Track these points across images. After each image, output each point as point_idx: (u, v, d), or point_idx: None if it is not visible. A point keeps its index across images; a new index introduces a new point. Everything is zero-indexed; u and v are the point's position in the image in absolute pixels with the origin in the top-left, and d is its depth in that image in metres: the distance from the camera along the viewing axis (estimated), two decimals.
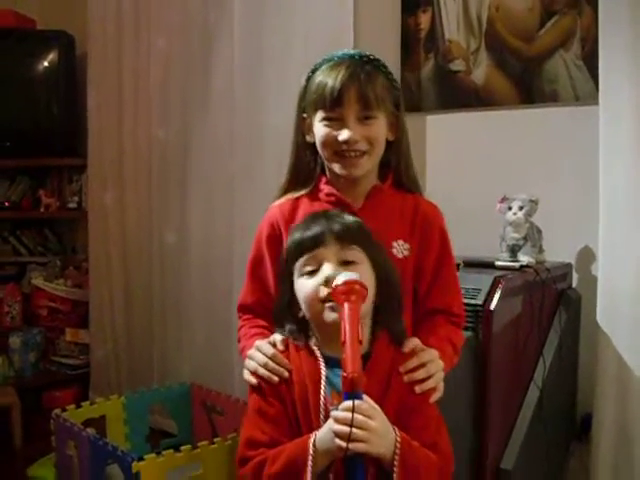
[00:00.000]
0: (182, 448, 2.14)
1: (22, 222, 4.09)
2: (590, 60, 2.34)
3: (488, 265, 2.11)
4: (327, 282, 1.32)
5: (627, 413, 2.14)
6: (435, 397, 1.39)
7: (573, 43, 2.44)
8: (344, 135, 1.47)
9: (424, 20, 2.77)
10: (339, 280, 1.29)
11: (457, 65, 2.70)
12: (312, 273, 1.35)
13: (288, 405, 1.35)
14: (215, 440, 2.22)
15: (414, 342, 1.41)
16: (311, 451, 1.26)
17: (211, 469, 2.17)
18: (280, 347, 1.41)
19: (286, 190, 1.64)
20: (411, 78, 2.78)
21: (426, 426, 1.34)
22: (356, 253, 1.36)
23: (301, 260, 1.37)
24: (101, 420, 2.65)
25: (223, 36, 3.11)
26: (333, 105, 1.47)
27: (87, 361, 3.78)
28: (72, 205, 3.98)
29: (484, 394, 1.88)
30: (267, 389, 1.37)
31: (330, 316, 1.32)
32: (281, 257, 1.44)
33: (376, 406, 1.25)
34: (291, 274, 1.40)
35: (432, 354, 1.41)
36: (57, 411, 2.50)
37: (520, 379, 2.07)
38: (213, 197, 3.22)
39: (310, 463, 1.25)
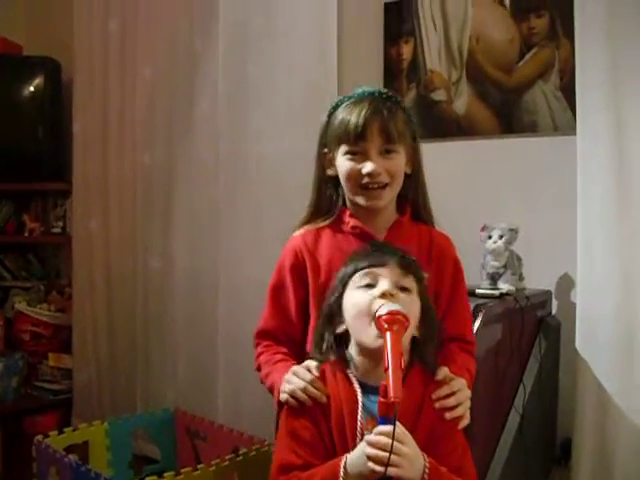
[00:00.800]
0: (165, 475, 2.13)
1: (6, 246, 4.07)
2: (568, 91, 2.39)
3: (469, 293, 2.13)
4: (383, 295, 1.37)
5: (606, 438, 2.16)
6: (463, 424, 1.45)
7: (552, 74, 2.49)
8: (368, 168, 1.54)
9: (406, 50, 2.82)
10: (383, 310, 1.35)
11: (439, 95, 2.75)
12: (368, 287, 1.40)
13: (323, 430, 1.39)
14: (198, 467, 2.22)
15: (445, 371, 1.47)
16: (342, 474, 1.30)
17: None
18: (315, 373, 1.45)
19: (308, 222, 1.70)
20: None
21: (454, 451, 1.40)
22: (411, 282, 1.43)
23: (360, 273, 1.43)
24: (84, 446, 2.63)
25: (208, 63, 3.14)
26: (357, 139, 1.54)
27: (70, 386, 3.76)
28: (56, 230, 3.97)
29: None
30: (303, 413, 1.41)
31: (375, 341, 1.36)
32: (338, 273, 1.49)
33: (407, 432, 1.29)
34: (344, 287, 1.45)
35: (461, 383, 1.47)
36: (39, 437, 2.48)
37: (501, 405, 2.09)
38: (198, 222, 3.23)
39: None
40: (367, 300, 1.38)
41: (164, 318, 3.35)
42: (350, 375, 1.42)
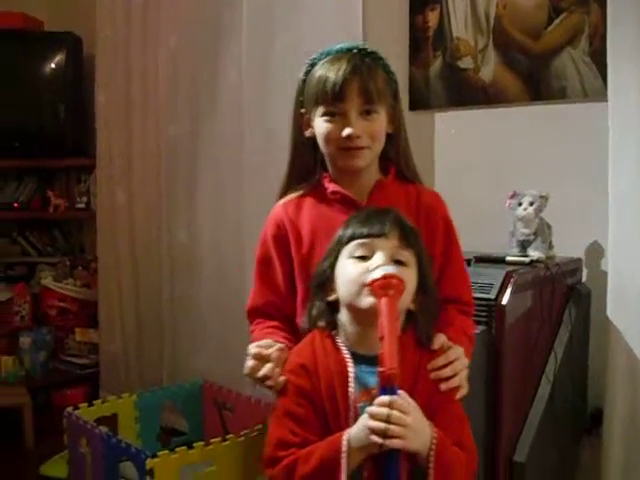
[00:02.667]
0: (195, 445, 2.14)
1: (31, 223, 4.12)
2: (598, 57, 2.35)
3: (499, 260, 2.11)
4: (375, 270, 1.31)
5: (637, 407, 2.15)
6: (460, 394, 1.40)
7: (581, 40, 2.44)
8: (347, 131, 1.45)
9: (432, 18, 2.78)
10: (377, 274, 1.29)
11: (465, 63, 2.71)
12: (362, 259, 1.34)
13: (317, 405, 1.34)
14: (227, 437, 2.23)
15: (441, 339, 1.41)
16: (344, 448, 1.25)
17: (224, 466, 2.17)
18: (265, 350, 1.41)
19: (287, 186, 1.63)
20: (420, 76, 2.79)
21: (451, 424, 1.34)
22: (409, 256, 1.36)
23: (354, 243, 1.36)
24: (113, 418, 2.65)
25: (232, 35, 3.12)
26: (335, 100, 1.46)
27: (97, 360, 3.80)
28: (81, 205, 4.01)
29: (497, 388, 1.89)
30: (294, 390, 1.36)
31: (366, 300, 1.31)
32: (335, 239, 1.42)
33: (412, 401, 1.25)
34: (337, 255, 1.39)
35: (458, 352, 1.41)
36: (69, 409, 2.50)
37: (532, 373, 2.09)
38: (223, 195, 3.23)
39: (344, 461, 1.25)
40: (359, 273, 1.33)
41: (190, 291, 3.37)
42: (340, 345, 1.37)
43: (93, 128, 3.77)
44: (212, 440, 2.19)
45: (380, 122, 1.51)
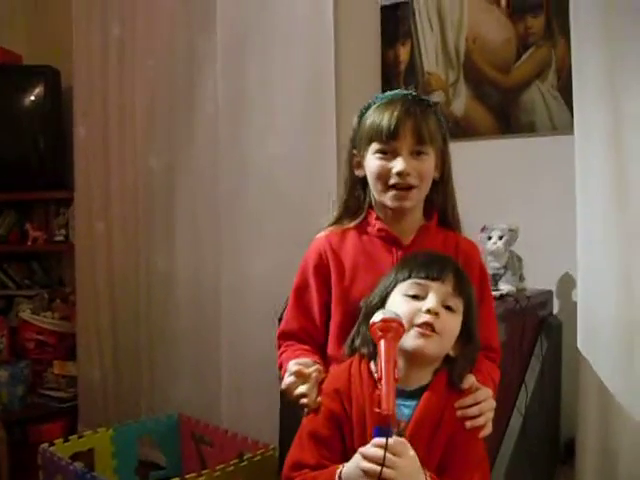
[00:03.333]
0: None
1: (9, 256, 4.09)
2: (566, 90, 2.38)
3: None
4: (428, 312, 1.36)
5: (609, 437, 2.16)
6: (484, 433, 1.44)
7: (549, 74, 2.49)
8: (398, 167, 1.52)
9: (403, 53, 2.82)
10: (377, 318, 1.33)
11: (437, 97, 2.74)
12: (415, 298, 1.39)
13: (345, 428, 1.38)
14: (203, 472, 2.22)
15: (471, 380, 1.45)
16: None
17: None
18: (308, 371, 1.46)
19: (336, 223, 1.69)
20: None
21: (471, 460, 1.39)
22: (459, 304, 1.41)
23: (410, 281, 1.42)
24: (89, 453, 2.64)
25: (208, 68, 3.16)
26: (388, 138, 1.53)
27: (75, 394, 3.77)
28: (59, 238, 4.00)
29: None
30: (324, 413, 1.40)
31: (412, 342, 1.36)
32: (392, 271, 1.47)
33: (407, 444, 1.27)
34: (391, 289, 1.43)
35: (486, 393, 1.47)
36: (44, 445, 2.49)
37: (503, 407, 2.07)
38: (199, 227, 3.25)
39: None
40: (410, 311, 1.37)
41: (168, 323, 3.37)
42: (376, 375, 1.39)
43: (72, 160, 3.77)
44: (188, 475, 2.19)
45: (429, 163, 1.57)
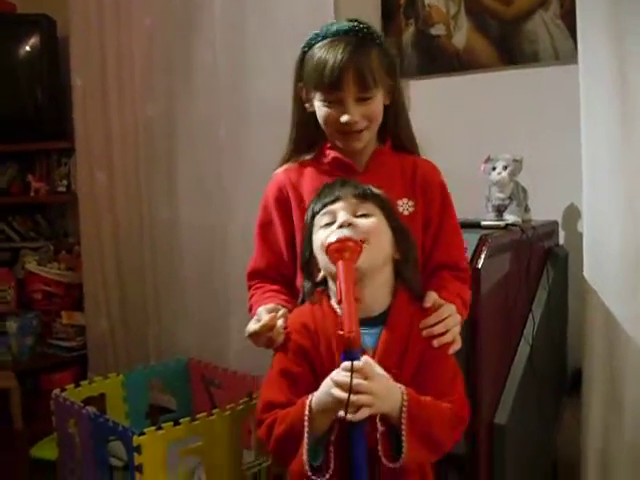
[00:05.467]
0: (181, 421, 2.16)
1: (12, 208, 4.09)
2: (569, 19, 2.34)
3: (474, 225, 2.11)
4: (341, 226, 1.36)
5: (615, 367, 2.17)
6: (453, 349, 1.45)
7: (552, 3, 2.44)
8: (344, 118, 1.51)
9: None
10: (332, 238, 1.33)
11: (438, 30, 2.70)
12: (328, 225, 1.39)
13: (316, 364, 1.37)
14: (213, 412, 2.25)
15: (433, 297, 1.45)
16: (307, 413, 1.28)
17: (211, 440, 2.20)
18: (265, 318, 1.44)
19: (289, 156, 1.68)
20: (393, 44, 2.77)
21: (442, 377, 1.39)
22: (370, 207, 1.41)
23: (319, 215, 1.42)
24: (100, 399, 2.67)
25: (205, 11, 3.11)
26: (332, 89, 1.51)
27: (84, 343, 3.82)
28: (61, 189, 4.01)
29: (475, 351, 1.90)
30: (294, 349, 1.40)
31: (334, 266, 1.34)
32: (305, 219, 1.49)
33: (375, 365, 1.27)
34: (311, 233, 1.44)
35: (450, 309, 1.46)
36: (56, 391, 2.52)
37: (510, 336, 2.10)
38: (202, 173, 3.23)
39: (306, 425, 1.28)
40: (325, 237, 1.37)
41: (173, 269, 3.38)
42: (336, 308, 1.39)
43: (71, 110, 3.75)
44: (198, 415, 2.22)
45: (376, 104, 1.55)
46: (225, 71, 3.05)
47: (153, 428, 2.12)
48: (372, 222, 1.39)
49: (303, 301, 1.49)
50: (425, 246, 1.59)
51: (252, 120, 2.96)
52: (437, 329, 1.41)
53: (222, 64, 3.05)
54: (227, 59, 3.04)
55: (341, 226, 1.36)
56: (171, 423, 2.16)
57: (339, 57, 1.49)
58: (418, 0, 2.74)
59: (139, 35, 3.40)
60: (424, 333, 1.40)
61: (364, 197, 1.41)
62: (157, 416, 2.85)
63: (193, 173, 3.28)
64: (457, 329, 1.46)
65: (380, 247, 1.39)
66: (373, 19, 2.75)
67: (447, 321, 1.43)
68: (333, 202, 1.41)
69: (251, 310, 1.60)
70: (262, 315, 1.46)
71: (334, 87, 1.50)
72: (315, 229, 1.43)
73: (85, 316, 3.80)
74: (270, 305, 1.50)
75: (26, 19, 3.91)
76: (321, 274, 1.44)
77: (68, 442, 2.45)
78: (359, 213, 1.39)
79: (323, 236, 1.38)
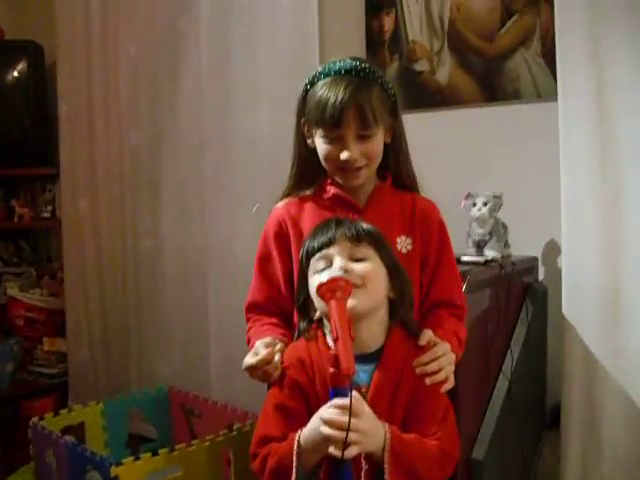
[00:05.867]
0: (160, 451, 2.15)
1: None
2: (550, 57, 2.38)
3: (455, 260, 2.14)
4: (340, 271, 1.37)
5: (594, 402, 2.18)
6: (446, 388, 1.45)
7: (533, 41, 2.49)
8: (344, 155, 1.53)
9: (388, 22, 2.81)
10: (324, 278, 1.35)
11: (421, 65, 2.74)
12: (324, 270, 1.40)
13: (311, 399, 1.38)
14: (193, 442, 2.24)
15: (429, 334, 1.47)
16: (295, 448, 1.29)
17: (190, 471, 2.19)
18: (263, 352, 1.45)
19: (290, 190, 1.70)
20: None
21: (433, 415, 1.40)
22: (365, 250, 1.42)
23: (314, 259, 1.43)
24: (80, 427, 2.65)
25: (191, 40, 3.14)
26: (333, 126, 1.53)
27: (65, 369, 3.78)
28: (46, 214, 3.99)
29: (454, 386, 1.91)
30: (290, 384, 1.41)
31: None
32: (300, 260, 1.49)
33: (362, 401, 1.28)
34: (306, 274, 1.45)
35: (445, 347, 1.47)
36: (35, 419, 2.50)
37: (489, 372, 2.11)
38: (185, 201, 3.24)
39: (295, 460, 1.29)
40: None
41: (155, 297, 3.37)
42: (330, 344, 1.41)
43: (57, 136, 3.75)
44: (177, 446, 2.21)
45: (377, 142, 1.58)
46: (210, 100, 3.06)
47: (131, 458, 2.11)
48: (368, 267, 1.40)
49: (299, 337, 1.50)
50: (423, 283, 1.61)
51: (235, 149, 2.98)
52: (430, 367, 1.42)
53: (207, 93, 3.07)
54: (212, 88, 3.06)
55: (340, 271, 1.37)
56: (150, 453, 2.15)
57: (340, 95, 1.51)
58: (402, 36, 2.78)
59: (125, 62, 3.41)
60: (417, 371, 1.42)
61: (358, 240, 1.42)
62: (137, 445, 2.83)
63: (176, 201, 3.29)
64: (450, 368, 1.47)
65: (376, 290, 1.41)
66: (358, 54, 2.78)
67: (441, 360, 1.44)
68: (328, 245, 1.42)
69: (249, 342, 1.61)
70: (260, 349, 1.47)
71: (335, 124, 1.52)
72: (311, 272, 1.44)
73: (67, 343, 3.77)
74: (268, 339, 1.51)
75: (14, 45, 3.92)
76: (317, 313, 1.45)
77: (46, 471, 2.43)
78: (355, 257, 1.40)
79: (316, 282, 1.39)
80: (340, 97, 1.51)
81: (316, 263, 1.42)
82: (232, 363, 2.95)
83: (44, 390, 3.70)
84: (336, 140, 1.54)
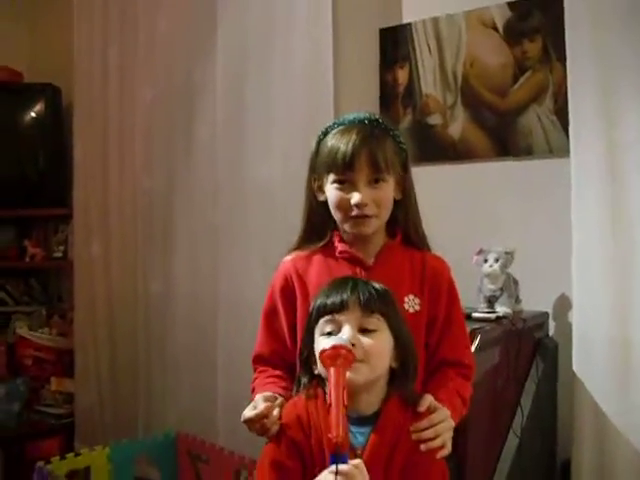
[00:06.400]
0: None
1: (7, 272, 4.10)
2: (562, 114, 2.40)
3: (466, 317, 2.15)
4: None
5: (605, 458, 2.17)
6: (442, 454, 1.43)
7: (545, 98, 2.52)
8: (355, 199, 1.53)
9: (402, 75, 2.85)
10: (327, 345, 1.34)
11: (434, 119, 2.78)
12: (330, 334, 1.39)
13: (307, 458, 1.38)
14: None
15: (428, 400, 1.45)
16: None
17: None
18: (261, 407, 1.43)
19: (299, 245, 1.69)
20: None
21: None
22: (376, 321, 1.40)
23: (323, 320, 1.41)
24: (86, 471, 2.65)
25: (206, 90, 3.18)
26: (345, 169, 1.53)
27: (72, 410, 3.77)
28: (58, 254, 4.02)
29: (463, 443, 1.91)
30: (287, 442, 1.39)
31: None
32: (309, 314, 1.48)
33: (363, 468, 1.27)
34: (313, 331, 1.44)
35: (444, 414, 1.45)
36: (40, 463, 2.50)
37: (499, 428, 2.10)
38: (198, 247, 3.25)
39: None
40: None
41: (165, 342, 3.37)
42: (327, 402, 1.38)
43: (71, 177, 3.79)
44: None
45: (387, 190, 1.57)
46: (224, 148, 3.10)
47: None
48: (374, 344, 1.38)
49: (298, 390, 1.49)
50: (430, 342, 1.60)
51: (248, 198, 3.00)
52: (427, 434, 1.40)
53: (221, 141, 3.11)
54: (226, 137, 3.09)
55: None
56: None
57: (354, 139, 1.53)
58: (416, 90, 2.82)
59: (141, 107, 3.46)
60: (413, 437, 1.40)
61: (371, 310, 1.40)
62: None
63: (189, 247, 3.30)
64: (448, 435, 1.44)
65: (378, 366, 1.40)
66: (372, 107, 2.82)
67: (438, 427, 1.42)
68: (339, 310, 1.40)
69: (253, 392, 1.60)
70: (259, 403, 1.46)
71: (347, 167, 1.53)
72: (317, 333, 1.43)
73: (75, 384, 3.77)
74: (268, 393, 1.51)
75: (32, 87, 3.99)
76: (317, 370, 1.45)
77: None
78: (364, 327, 1.39)
79: (320, 346, 1.38)
80: (353, 141, 1.53)
81: (324, 325, 1.41)
82: (240, 409, 2.94)
83: (50, 430, 3.69)
84: (347, 184, 1.55)
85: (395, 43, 2.87)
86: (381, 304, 1.42)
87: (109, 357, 3.66)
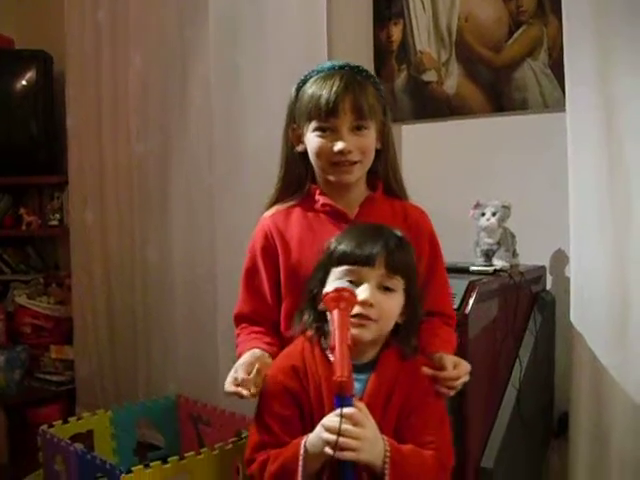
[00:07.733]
0: (169, 459, 2.16)
1: (4, 240, 4.08)
2: (557, 68, 2.39)
3: (463, 270, 2.15)
4: (363, 303, 1.36)
5: (602, 410, 2.19)
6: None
7: (540, 52, 2.50)
8: (339, 146, 1.51)
9: (396, 32, 2.82)
10: (330, 288, 1.34)
11: (429, 76, 2.76)
12: (349, 283, 1.37)
13: (304, 406, 1.39)
14: (202, 450, 2.25)
15: (452, 359, 1.49)
16: (302, 453, 1.31)
17: (199, 479, 2.20)
18: (241, 374, 1.45)
19: (276, 200, 1.68)
20: (385, 89, 2.82)
21: (429, 423, 1.40)
22: (396, 282, 1.40)
23: (344, 268, 1.39)
24: (88, 435, 2.66)
25: (199, 52, 3.15)
26: (328, 116, 1.52)
27: (72, 377, 3.79)
28: (54, 222, 4.00)
29: (462, 395, 1.92)
30: (282, 391, 1.40)
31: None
32: (327, 248, 1.45)
33: (367, 412, 1.29)
34: (327, 271, 1.42)
35: (467, 368, 1.51)
36: (44, 427, 2.51)
37: (497, 380, 2.12)
38: (193, 211, 3.25)
39: (301, 465, 1.31)
40: None
41: (164, 306, 3.38)
42: (328, 353, 1.40)
43: (65, 144, 3.77)
44: (186, 454, 2.22)
45: (370, 137, 1.57)
46: (218, 111, 3.07)
47: (141, 466, 2.12)
48: (391, 305, 1.39)
49: (303, 329, 1.47)
50: None
51: (244, 160, 2.98)
52: (456, 385, 1.46)
53: (216, 103, 3.08)
54: (221, 99, 3.07)
55: (362, 302, 1.35)
56: (159, 462, 2.16)
57: (337, 84, 1.52)
58: (410, 47, 2.80)
59: (134, 72, 3.43)
60: (444, 390, 1.45)
61: (394, 271, 1.39)
62: (145, 453, 2.84)
63: (185, 212, 3.29)
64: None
65: (387, 325, 1.41)
66: (366, 64, 2.76)
67: (464, 379, 1.48)
68: (364, 264, 1.37)
69: (237, 346, 1.62)
70: (239, 372, 1.46)
71: (330, 113, 1.51)
72: (334, 274, 1.40)
73: (74, 351, 3.78)
74: (247, 357, 1.50)
75: (23, 54, 3.94)
76: (323, 306, 1.43)
77: (55, 479, 2.44)
78: (384, 285, 1.39)
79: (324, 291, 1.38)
80: (336, 87, 1.51)
81: (344, 274, 1.39)
82: None
83: (51, 397, 3.70)
84: (330, 132, 1.53)
85: None
86: (406, 269, 1.42)
87: (107, 323, 3.67)
